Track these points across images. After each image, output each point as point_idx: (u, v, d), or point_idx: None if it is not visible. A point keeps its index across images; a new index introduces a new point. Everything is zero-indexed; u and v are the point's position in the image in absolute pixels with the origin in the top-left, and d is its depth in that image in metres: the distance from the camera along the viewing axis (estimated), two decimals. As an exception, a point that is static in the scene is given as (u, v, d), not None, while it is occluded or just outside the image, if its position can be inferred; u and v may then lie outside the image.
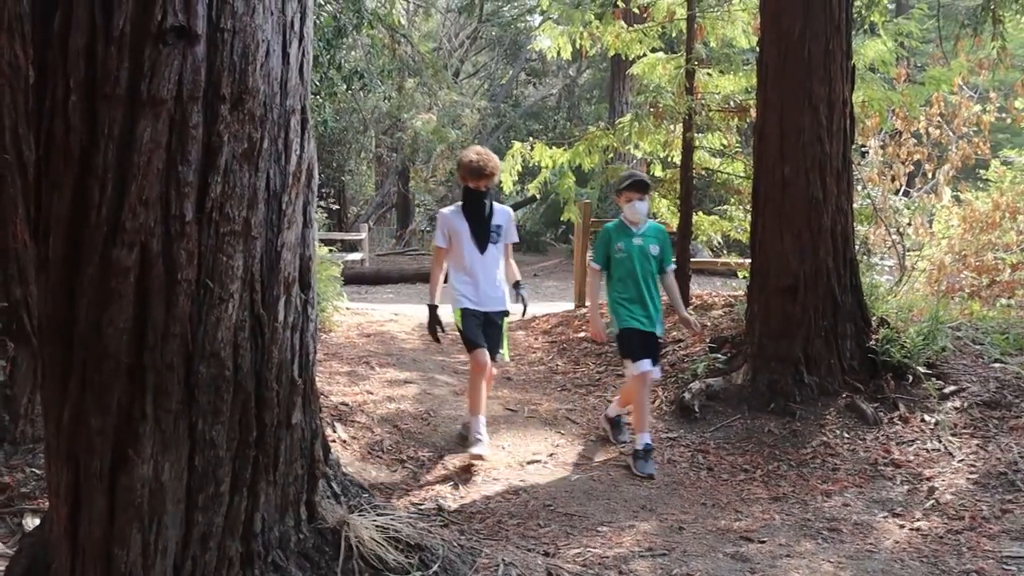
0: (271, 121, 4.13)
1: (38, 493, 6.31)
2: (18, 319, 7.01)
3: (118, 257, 3.88)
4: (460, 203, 7.98)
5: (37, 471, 6.49)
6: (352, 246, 28.06)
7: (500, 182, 14.86)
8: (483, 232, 7.82)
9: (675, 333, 11.14)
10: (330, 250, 15.73)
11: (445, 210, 8.09)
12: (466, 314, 7.85)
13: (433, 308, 7.83)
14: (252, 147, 4.05)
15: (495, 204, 7.92)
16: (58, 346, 4.08)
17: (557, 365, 11.49)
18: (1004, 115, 16.90)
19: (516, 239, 8.12)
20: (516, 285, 8.16)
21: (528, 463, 7.89)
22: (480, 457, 7.69)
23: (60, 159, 3.96)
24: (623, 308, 7.90)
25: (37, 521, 5.50)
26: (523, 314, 8.49)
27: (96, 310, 3.93)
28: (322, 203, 28.96)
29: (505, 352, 8.20)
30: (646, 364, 7.81)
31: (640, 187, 7.93)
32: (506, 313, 8.09)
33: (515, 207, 39.47)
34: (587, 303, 8.40)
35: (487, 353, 7.82)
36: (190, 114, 3.89)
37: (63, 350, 4.06)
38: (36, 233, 4.20)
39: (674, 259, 8.26)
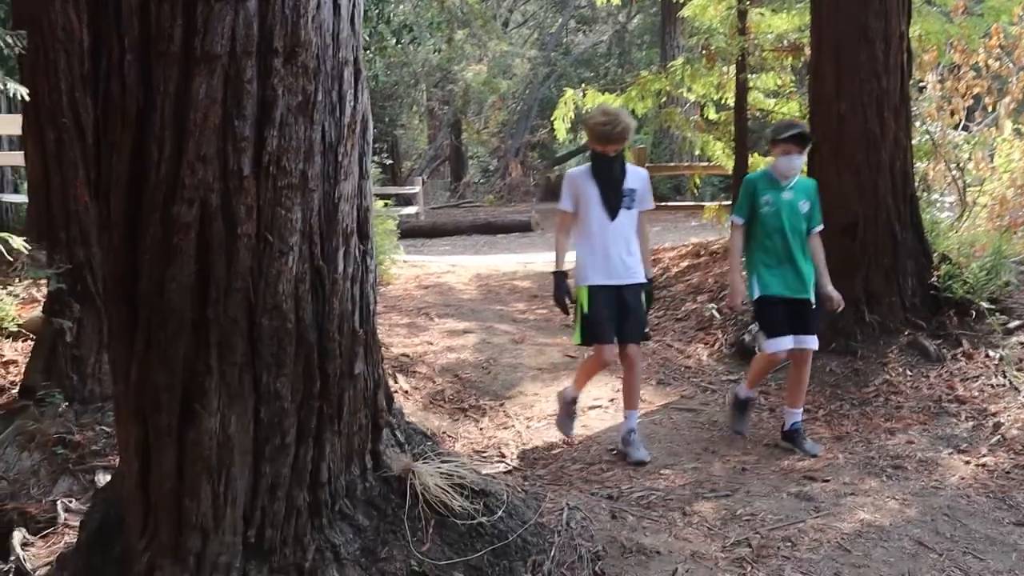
0: (324, 73, 4.14)
1: (109, 450, 6.43)
2: (82, 280, 7.12)
3: (178, 214, 3.92)
4: (589, 164, 6.92)
5: (107, 429, 6.61)
6: (407, 200, 28.15)
7: (555, 131, 14.80)
8: (615, 196, 6.76)
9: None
10: (385, 204, 15.78)
11: (573, 171, 7.04)
12: (595, 293, 6.74)
13: (561, 275, 6.92)
14: (306, 100, 4.06)
15: (629, 167, 6.88)
16: (122, 304, 4.14)
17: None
18: (1065, 44, 16.53)
19: (652, 205, 6.99)
20: (650, 282, 7.05)
21: (590, 408, 7.92)
22: (642, 463, 6.75)
23: (118, 119, 4.01)
24: (767, 271, 6.88)
25: (108, 477, 5.60)
26: (649, 306, 7.13)
27: (158, 267, 3.99)
28: (376, 158, 29.00)
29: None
30: (786, 342, 6.80)
31: (801, 140, 6.85)
32: (648, 285, 6.96)
33: (567, 156, 39.36)
34: (727, 264, 7.32)
35: (614, 350, 6.77)
36: (244, 69, 3.91)
37: (127, 308, 4.12)
38: (97, 194, 4.26)
39: (821, 219, 7.09)
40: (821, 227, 7.02)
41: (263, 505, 4.22)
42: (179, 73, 3.88)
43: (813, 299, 6.83)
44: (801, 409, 7.08)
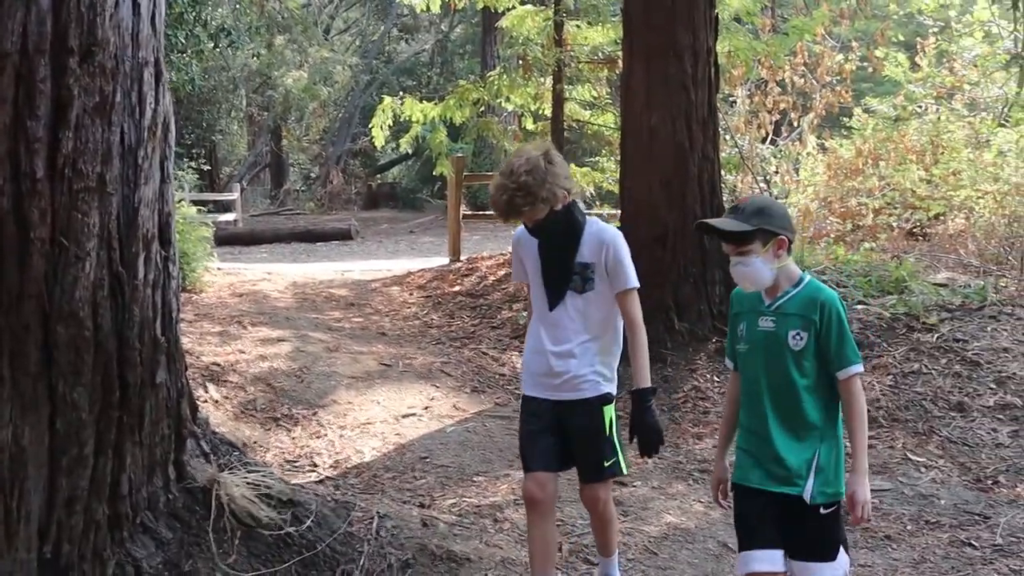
0: (123, 74, 4.04)
1: None
2: None
3: (-33, 217, 3.77)
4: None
5: None
6: (225, 207, 27.63)
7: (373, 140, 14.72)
8: (557, 273, 4.57)
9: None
10: (199, 210, 15.45)
11: (518, 229, 4.77)
12: (525, 405, 4.71)
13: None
14: (104, 101, 3.95)
15: (590, 227, 4.55)
16: (-93, 311, 3.96)
17: (432, 319, 11.49)
18: (866, 64, 17.32)
19: (630, 284, 4.50)
20: (637, 396, 4.51)
21: (403, 416, 7.90)
22: None
23: (-99, 117, 3.83)
24: (738, 451, 4.11)
25: None
26: (645, 451, 4.55)
27: (-55, 272, 3.83)
28: (192, 164, 28.45)
29: (621, 462, 4.59)
30: (756, 560, 3.94)
31: (722, 235, 4.00)
32: (600, 402, 4.53)
33: (389, 164, 39.32)
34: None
35: (541, 483, 4.55)
36: (37, 67, 3.79)
37: (-88, 314, 3.94)
38: None
39: (856, 354, 3.93)
40: (855, 369, 3.87)
41: (59, 519, 4.08)
42: (-33, 72, 3.74)
43: (811, 495, 3.85)
44: None
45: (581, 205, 4.65)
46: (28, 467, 3.98)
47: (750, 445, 4.00)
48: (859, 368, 3.88)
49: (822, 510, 3.81)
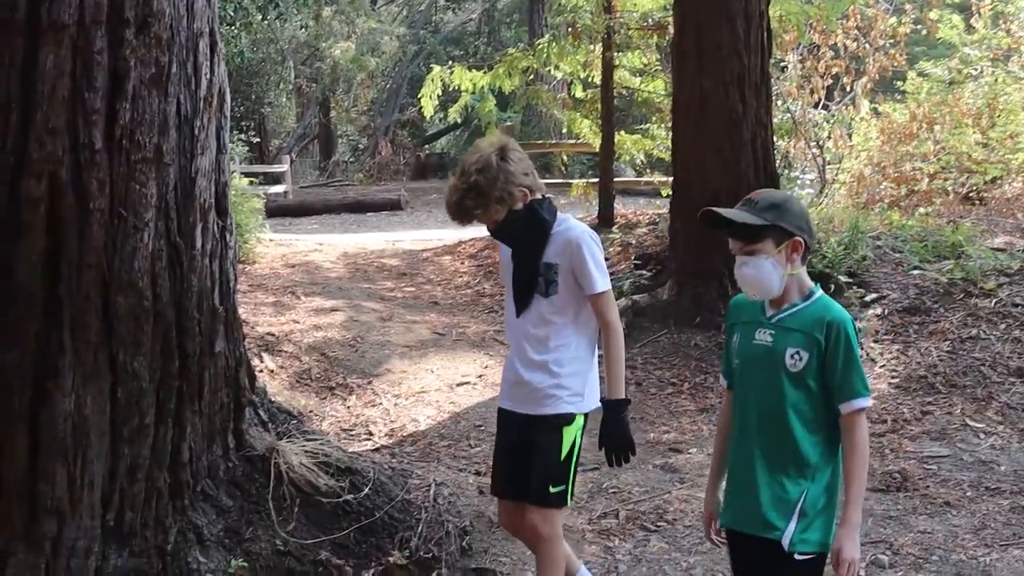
0: (179, 44, 4.05)
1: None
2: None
3: (27, 188, 3.80)
4: None
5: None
6: (275, 179, 27.72)
7: (422, 110, 14.68)
8: (524, 277, 4.14)
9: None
10: (251, 182, 15.54)
11: None
12: (497, 419, 4.34)
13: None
14: (160, 71, 3.97)
15: (560, 225, 4.09)
16: (-32, 283, 4.00)
17: (484, 288, 11.49)
18: (919, 27, 17.02)
19: (599, 288, 3.99)
20: (609, 408, 4.04)
21: (457, 385, 7.93)
22: None
23: (-39, 91, 3.87)
24: (728, 483, 3.56)
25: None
26: (612, 461, 4.05)
27: (7, 244, 3.86)
28: (242, 136, 28.59)
29: (568, 494, 4.11)
30: None
31: (729, 225, 3.35)
32: (560, 422, 4.04)
33: (438, 135, 39.28)
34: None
35: (510, 508, 4.25)
36: (94, 39, 3.80)
37: (-26, 287, 3.98)
38: (-59, 169, 4.10)
39: (865, 387, 3.31)
40: (860, 403, 3.27)
41: (122, 487, 4.13)
42: (25, 43, 3.76)
43: (789, 541, 3.26)
44: None
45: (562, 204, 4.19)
46: (91, 436, 4.02)
47: (734, 477, 3.46)
48: (866, 402, 3.27)
49: (796, 557, 3.24)
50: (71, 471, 4.02)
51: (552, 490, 4.00)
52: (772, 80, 9.75)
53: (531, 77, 14.54)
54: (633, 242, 11.10)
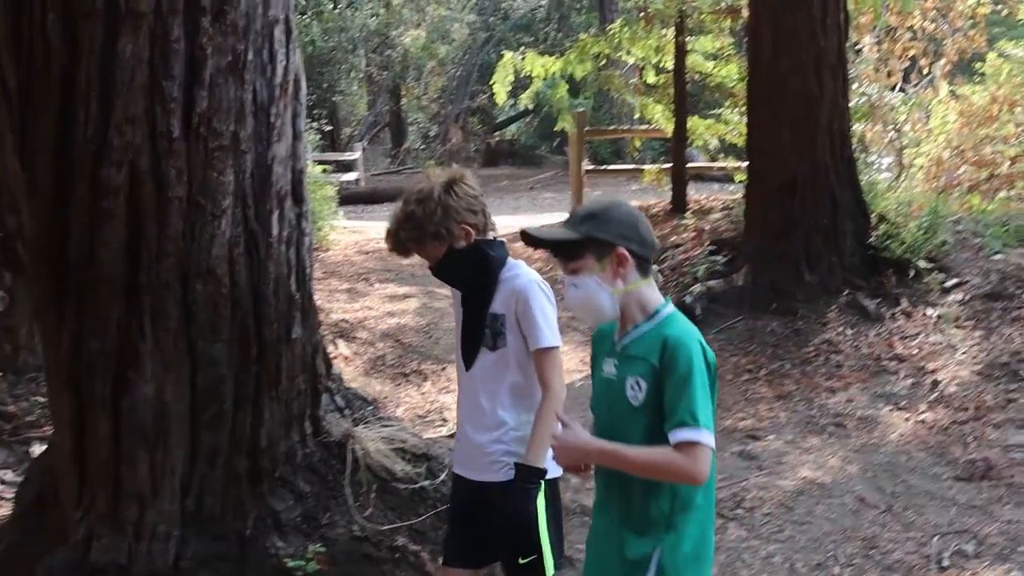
0: (254, 32, 4.06)
1: (43, 420, 6.34)
2: (12, 250, 6.98)
3: (107, 176, 3.85)
4: None
5: (41, 399, 6.51)
6: (347, 166, 27.85)
7: (494, 96, 14.67)
8: (471, 328, 3.72)
9: (673, 237, 11.07)
10: (324, 170, 15.61)
11: None
12: (453, 485, 3.97)
13: None
14: (236, 59, 3.99)
15: (509, 271, 3.65)
16: (52, 271, 4.07)
17: (557, 274, 11.43)
18: (1000, 7, 16.68)
19: (547, 343, 3.53)
20: (520, 474, 3.44)
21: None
22: None
23: (42, 81, 3.92)
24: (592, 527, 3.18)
25: (43, 448, 5.52)
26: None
27: (88, 232, 3.91)
28: (314, 124, 28.73)
29: (547, 562, 3.50)
30: None
31: (536, 243, 3.03)
32: (513, 489, 3.46)
33: (508, 122, 39.23)
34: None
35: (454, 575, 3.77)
36: (171, 27, 3.83)
37: (57, 275, 4.04)
38: (23, 159, 4.16)
39: (693, 417, 2.71)
40: (686, 434, 2.69)
41: (202, 473, 4.18)
42: (104, 32, 3.79)
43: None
44: None
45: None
46: (171, 422, 4.07)
47: (594, 528, 3.07)
48: (696, 435, 2.67)
49: None
50: (152, 457, 4.07)
51: (520, 561, 3.53)
52: (848, 62, 9.59)
53: (603, 63, 14.45)
54: (707, 228, 10.98)
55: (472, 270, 3.64)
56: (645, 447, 2.74)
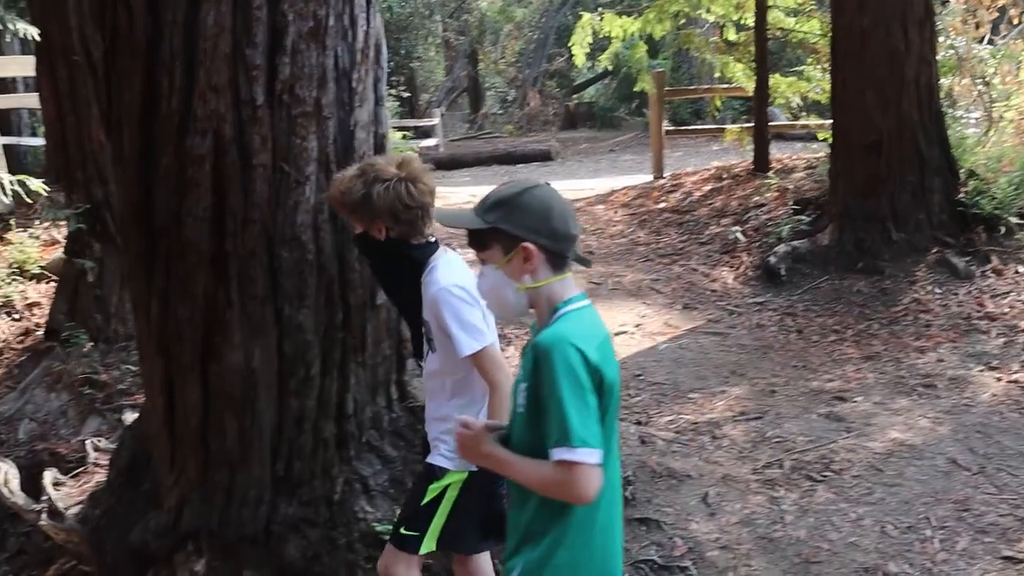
0: (335, -3, 4.05)
1: (134, 388, 6.45)
2: (101, 220, 7.09)
3: (192, 145, 3.87)
4: None
5: (132, 367, 6.62)
6: (425, 132, 27.95)
7: (573, 58, 14.57)
8: (413, 330, 3.96)
9: (756, 197, 10.93)
10: (403, 136, 15.66)
11: None
12: None
13: None
14: (318, 25, 3.98)
15: (437, 271, 3.59)
16: (140, 239, 4.11)
17: (638, 237, 11.36)
18: (1092, -47, 16.22)
19: (467, 348, 3.45)
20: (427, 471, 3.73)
21: (615, 334, 7.85)
22: None
23: (126, 51, 3.95)
24: None
25: (135, 415, 5.61)
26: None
27: (174, 200, 3.95)
28: (392, 91, 28.82)
29: (424, 541, 3.62)
30: None
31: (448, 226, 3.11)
32: (430, 470, 3.67)
33: (586, 84, 39.00)
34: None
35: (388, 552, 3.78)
36: (253, -6, 3.84)
37: (145, 243, 4.09)
38: (109, 129, 4.21)
39: (566, 435, 2.46)
40: (563, 454, 2.47)
41: (290, 438, 4.22)
42: (187, 1, 3.80)
43: None
44: None
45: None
46: (259, 388, 4.11)
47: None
48: (573, 455, 2.45)
49: None
50: (241, 422, 4.12)
51: (402, 530, 3.66)
52: (935, 15, 9.37)
53: (682, 21, 14.30)
54: (791, 187, 10.83)
55: (383, 263, 3.76)
56: (536, 461, 2.57)
